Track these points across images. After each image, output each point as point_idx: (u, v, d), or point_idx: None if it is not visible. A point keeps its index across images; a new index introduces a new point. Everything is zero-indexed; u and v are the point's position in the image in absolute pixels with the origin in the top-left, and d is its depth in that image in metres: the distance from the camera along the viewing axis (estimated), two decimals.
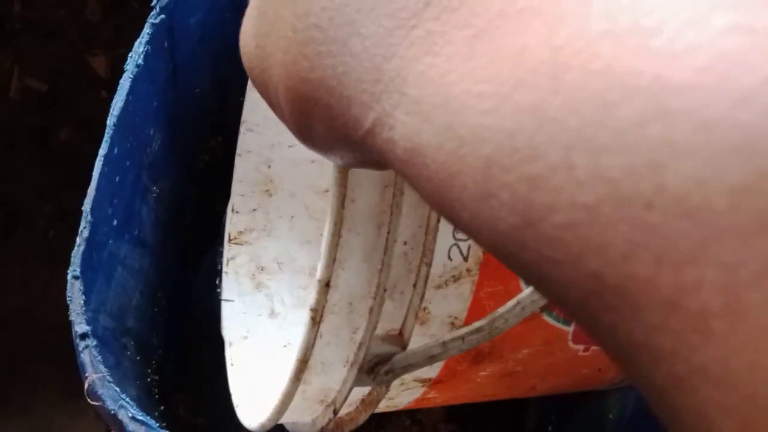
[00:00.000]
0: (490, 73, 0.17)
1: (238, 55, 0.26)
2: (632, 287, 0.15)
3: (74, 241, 0.49)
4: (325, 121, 0.22)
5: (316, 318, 0.36)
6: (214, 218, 0.70)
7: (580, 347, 0.51)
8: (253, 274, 0.62)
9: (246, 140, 0.61)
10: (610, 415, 0.62)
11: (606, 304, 0.15)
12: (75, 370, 0.48)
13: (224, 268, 0.62)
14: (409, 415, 0.73)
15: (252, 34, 0.25)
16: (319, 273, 0.34)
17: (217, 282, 0.64)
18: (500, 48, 0.17)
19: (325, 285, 0.35)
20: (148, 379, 0.60)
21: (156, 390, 0.61)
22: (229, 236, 0.62)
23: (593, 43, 0.15)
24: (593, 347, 0.53)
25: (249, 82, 0.57)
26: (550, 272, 0.16)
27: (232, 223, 0.63)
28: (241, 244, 0.62)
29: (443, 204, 0.19)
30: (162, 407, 0.60)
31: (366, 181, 0.33)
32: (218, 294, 0.63)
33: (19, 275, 0.82)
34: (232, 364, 0.57)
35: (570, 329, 0.50)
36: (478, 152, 0.17)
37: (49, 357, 0.78)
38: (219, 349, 0.60)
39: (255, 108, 0.59)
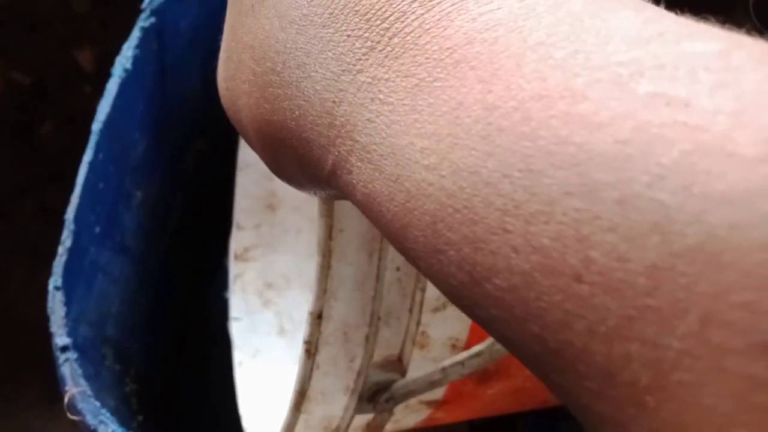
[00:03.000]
0: (431, 129, 0.17)
1: None
2: (571, 354, 0.15)
3: (56, 238, 0.49)
4: (293, 161, 0.22)
5: (311, 350, 0.35)
6: (198, 224, 0.69)
7: None
8: (261, 292, 0.61)
9: (246, 154, 0.60)
10: None
11: (551, 366, 0.16)
12: (52, 371, 0.48)
13: (231, 286, 0.62)
14: None
15: (223, 77, 0.25)
16: (310, 305, 0.34)
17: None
18: (439, 102, 0.17)
19: (318, 317, 0.34)
20: (127, 389, 0.59)
21: (134, 399, 0.60)
22: (235, 253, 0.62)
23: (524, 104, 0.16)
24: None
25: None
26: (501, 330, 0.17)
27: (237, 240, 0.62)
28: (248, 261, 0.62)
29: (402, 251, 0.19)
30: (140, 417, 0.59)
31: (353, 210, 0.33)
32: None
33: (0, 271, 0.81)
34: (242, 385, 0.57)
35: None
36: (424, 207, 0.17)
37: (28, 357, 0.77)
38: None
39: None
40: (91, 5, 0.83)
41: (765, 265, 0.13)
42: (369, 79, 0.19)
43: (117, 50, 0.54)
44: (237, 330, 0.60)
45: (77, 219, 0.49)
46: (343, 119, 0.19)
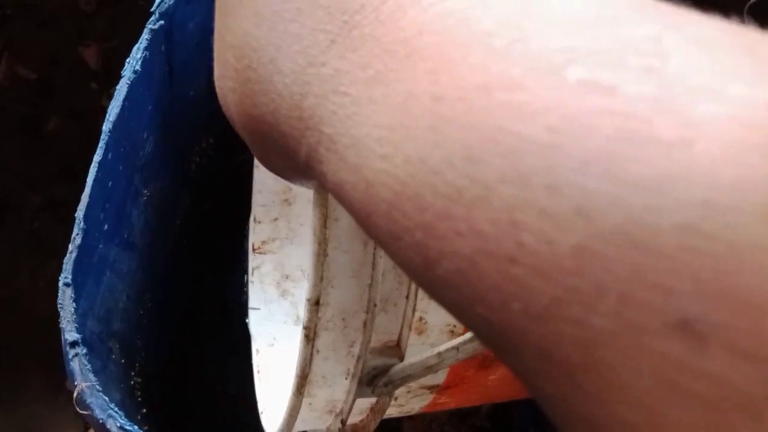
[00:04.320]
0: (386, 119, 0.18)
1: None
2: (512, 335, 0.16)
3: (62, 232, 0.49)
4: (275, 153, 0.23)
5: (310, 335, 0.36)
6: (203, 221, 0.70)
7: None
8: (278, 282, 0.63)
9: None
10: None
11: (498, 346, 0.17)
12: (59, 363, 0.48)
13: (250, 278, 0.63)
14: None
15: (216, 77, 0.26)
16: (307, 292, 0.35)
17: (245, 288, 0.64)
18: (393, 93, 0.18)
19: (315, 303, 0.35)
20: (132, 382, 0.60)
21: (138, 393, 0.61)
22: (253, 246, 0.63)
23: (468, 95, 0.16)
24: None
25: None
26: (457, 312, 0.18)
27: (255, 233, 0.63)
28: (265, 253, 0.63)
29: (371, 237, 0.19)
30: (144, 410, 0.60)
31: None
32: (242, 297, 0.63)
33: (6, 265, 0.82)
34: (258, 371, 0.58)
35: None
36: (381, 195, 0.18)
37: (34, 349, 0.78)
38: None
39: None
40: (98, 4, 0.84)
41: (678, 247, 0.13)
42: (331, 72, 0.19)
43: (123, 48, 0.54)
44: (255, 319, 0.61)
45: (87, 217, 0.50)
46: (310, 111, 0.20)
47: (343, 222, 0.34)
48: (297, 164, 0.22)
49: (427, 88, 0.17)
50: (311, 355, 0.37)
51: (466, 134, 0.16)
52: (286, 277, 0.63)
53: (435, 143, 0.16)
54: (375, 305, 0.37)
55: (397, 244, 0.18)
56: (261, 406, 0.54)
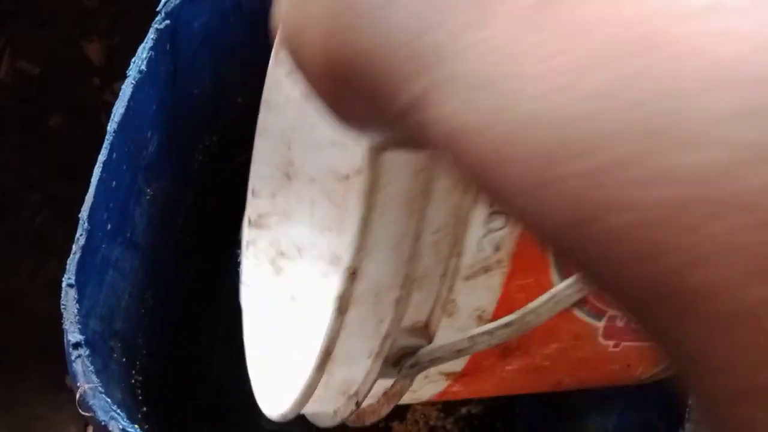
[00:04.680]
0: (553, 51, 0.15)
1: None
2: (688, 298, 0.14)
3: (62, 231, 0.49)
4: (362, 96, 0.21)
5: (343, 307, 0.34)
6: (206, 219, 0.70)
7: (610, 343, 0.49)
8: (273, 259, 0.60)
9: (266, 119, 0.58)
10: None
11: (661, 310, 0.15)
12: (57, 361, 0.48)
13: (244, 252, 0.60)
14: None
15: (288, 7, 0.23)
16: (346, 261, 0.33)
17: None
18: (566, 22, 0.15)
19: (353, 273, 0.33)
20: (133, 381, 0.60)
21: (140, 391, 0.61)
22: (249, 219, 0.60)
23: (674, 21, 0.14)
24: (624, 343, 0.50)
25: (271, 61, 0.54)
26: (602, 272, 0.15)
27: (252, 206, 0.60)
28: (261, 228, 0.60)
29: (491, 189, 0.17)
30: (145, 408, 0.60)
31: (397, 166, 0.31)
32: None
33: (6, 265, 0.81)
34: (250, 351, 0.56)
35: (601, 325, 0.48)
36: (534, 139, 0.15)
37: (34, 349, 0.78)
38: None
39: (276, 87, 0.56)
40: (100, 0, 0.83)
41: None
42: (472, 3, 0.17)
43: (125, 45, 0.54)
44: (247, 296, 0.59)
45: (91, 217, 0.50)
46: (433, 47, 0.17)
47: (391, 189, 0.31)
48: (389, 109, 0.19)
49: (619, 16, 0.15)
50: (339, 329, 0.35)
51: (674, 65, 0.14)
52: (282, 254, 0.61)
53: (626, 77, 0.14)
54: (413, 281, 0.35)
55: (542, 194, 0.15)
56: (255, 387, 0.53)
